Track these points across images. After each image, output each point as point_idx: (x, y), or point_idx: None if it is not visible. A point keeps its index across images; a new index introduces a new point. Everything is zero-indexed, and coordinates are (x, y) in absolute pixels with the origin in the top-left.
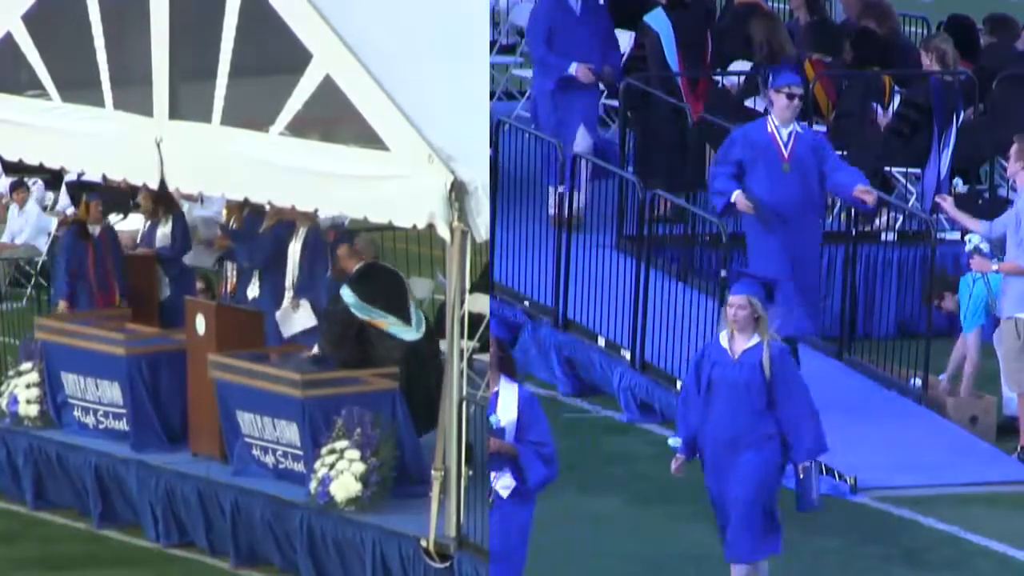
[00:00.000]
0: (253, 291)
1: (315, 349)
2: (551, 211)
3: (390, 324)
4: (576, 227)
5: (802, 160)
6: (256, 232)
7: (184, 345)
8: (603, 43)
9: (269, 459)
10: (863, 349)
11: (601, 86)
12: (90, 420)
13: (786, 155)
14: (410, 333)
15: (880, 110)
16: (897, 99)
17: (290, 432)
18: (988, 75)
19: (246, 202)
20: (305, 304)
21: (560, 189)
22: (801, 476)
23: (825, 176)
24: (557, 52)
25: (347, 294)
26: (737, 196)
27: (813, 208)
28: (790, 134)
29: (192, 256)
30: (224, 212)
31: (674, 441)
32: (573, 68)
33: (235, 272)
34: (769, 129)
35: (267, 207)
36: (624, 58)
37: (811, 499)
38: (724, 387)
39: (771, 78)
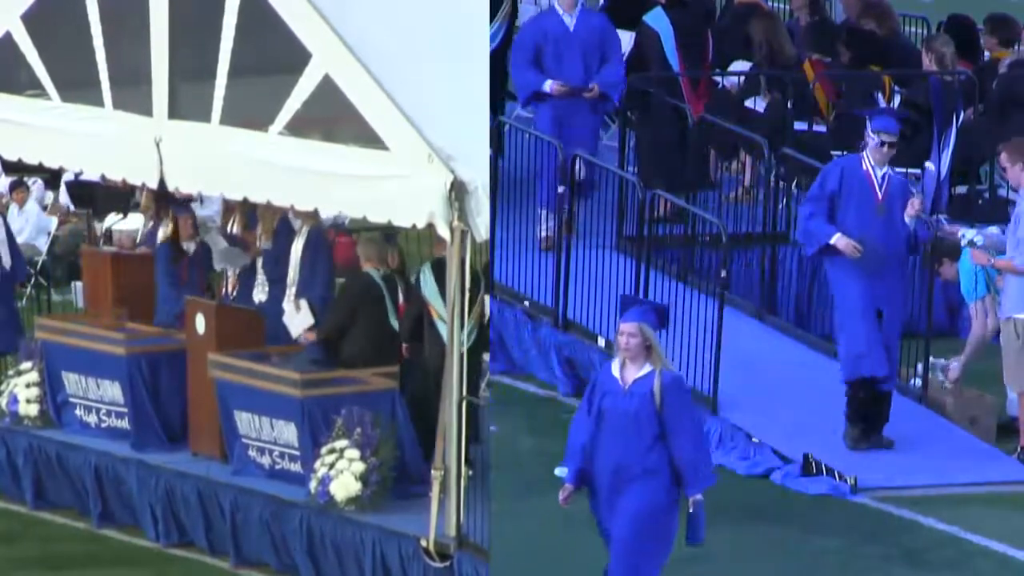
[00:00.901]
0: (260, 295)
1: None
2: (543, 233)
3: (440, 316)
4: (572, 232)
5: (893, 204)
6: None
7: (184, 345)
8: (599, 57)
9: (265, 460)
10: None
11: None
12: (92, 419)
13: (880, 196)
14: (461, 340)
15: (883, 103)
16: (897, 99)
17: (288, 432)
18: (989, 78)
19: (245, 202)
20: (304, 304)
21: (560, 190)
22: (692, 510)
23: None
24: (547, 68)
25: (425, 270)
26: (838, 239)
27: (898, 253)
28: (884, 175)
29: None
30: (222, 212)
31: (561, 471)
32: (547, 85)
33: (236, 273)
34: (864, 167)
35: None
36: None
37: (699, 534)
38: (614, 417)
39: (868, 119)
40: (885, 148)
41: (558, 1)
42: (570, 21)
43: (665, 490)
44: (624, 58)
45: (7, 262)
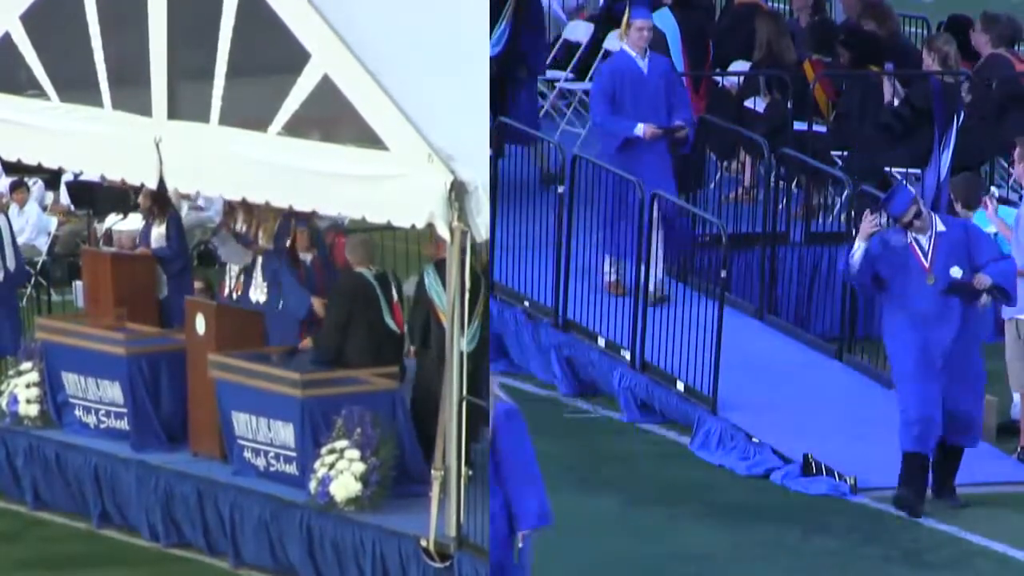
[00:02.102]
0: (258, 295)
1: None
2: (610, 279)
3: (447, 319)
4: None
5: (946, 267)
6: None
7: (184, 345)
8: (670, 98)
9: (260, 461)
10: (863, 349)
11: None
12: (91, 420)
13: (928, 266)
14: (461, 340)
15: (887, 87)
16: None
17: (285, 433)
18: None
19: (244, 202)
20: None
21: (560, 190)
22: (520, 545)
23: (979, 270)
24: (624, 113)
25: (430, 272)
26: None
27: (961, 308)
28: (929, 239)
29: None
30: (226, 211)
31: None
32: (639, 129)
33: (237, 273)
34: (908, 240)
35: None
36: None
37: (526, 572)
38: None
39: (888, 205)
40: (915, 222)
41: (631, 45)
42: (643, 64)
43: (505, 530)
44: None
45: (11, 264)
